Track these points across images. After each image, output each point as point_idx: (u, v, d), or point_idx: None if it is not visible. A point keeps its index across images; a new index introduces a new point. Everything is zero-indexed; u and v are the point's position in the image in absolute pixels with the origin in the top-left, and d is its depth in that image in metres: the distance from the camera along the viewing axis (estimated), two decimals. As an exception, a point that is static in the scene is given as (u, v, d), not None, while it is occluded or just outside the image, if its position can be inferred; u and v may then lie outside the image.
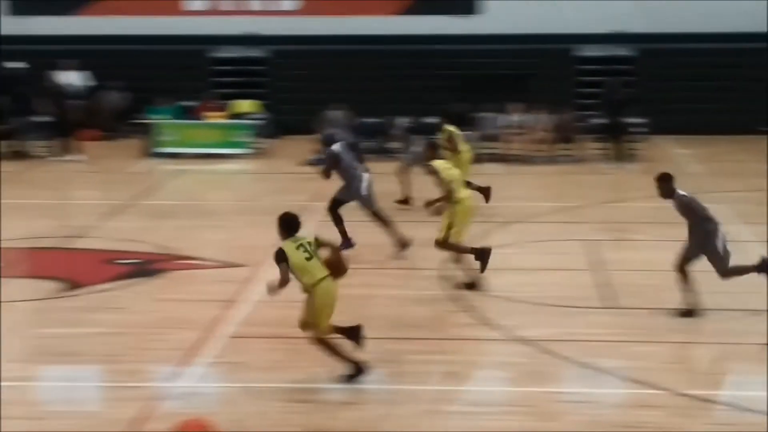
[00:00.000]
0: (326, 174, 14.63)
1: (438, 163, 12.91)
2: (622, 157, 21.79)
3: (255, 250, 13.76)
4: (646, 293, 12.25)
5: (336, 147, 14.68)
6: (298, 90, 24.94)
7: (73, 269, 13.88)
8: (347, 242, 14.24)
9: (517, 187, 19.35)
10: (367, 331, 9.90)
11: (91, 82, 24.92)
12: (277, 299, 12.11)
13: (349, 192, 14.51)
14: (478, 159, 20.98)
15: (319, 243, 9.70)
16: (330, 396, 9.47)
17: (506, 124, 22.45)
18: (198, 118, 23.51)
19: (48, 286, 13.03)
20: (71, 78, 24.60)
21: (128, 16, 25.73)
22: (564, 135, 22.34)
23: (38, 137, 23.01)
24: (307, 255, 9.48)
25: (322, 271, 9.51)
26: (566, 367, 10.18)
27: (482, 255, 12.43)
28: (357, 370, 9.61)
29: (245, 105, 24.46)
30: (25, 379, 9.97)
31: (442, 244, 12.56)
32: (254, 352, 10.55)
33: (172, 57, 25.37)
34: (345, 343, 9.71)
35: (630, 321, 11.49)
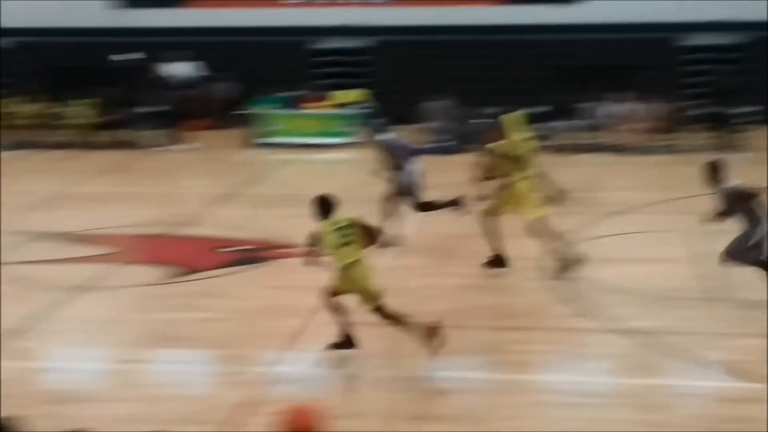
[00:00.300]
0: (387, 166, 14.39)
1: (493, 145, 12.93)
2: (728, 147, 21.42)
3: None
4: (750, 286, 12.09)
5: (386, 137, 14.59)
6: (400, 80, 25.03)
7: (182, 256, 14.25)
8: (454, 203, 14.10)
9: (619, 178, 19.18)
10: (468, 321, 9.97)
11: (201, 73, 25.38)
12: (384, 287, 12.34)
13: (401, 185, 14.33)
14: (580, 149, 20.94)
15: (355, 223, 9.89)
16: (435, 384, 9.58)
17: (608, 115, 22.26)
18: (300, 109, 23.80)
19: (158, 272, 13.40)
20: (181, 69, 25.08)
21: (233, 7, 26.16)
22: (666, 125, 22.06)
23: (150, 127, 23.57)
24: (343, 239, 9.70)
25: (353, 256, 9.71)
26: (669, 359, 10.13)
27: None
28: (347, 344, 9.97)
29: (347, 95, 24.66)
30: (137, 362, 10.29)
31: (535, 225, 12.59)
32: (362, 339, 10.69)
33: (275, 48, 25.69)
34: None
35: (733, 313, 11.36)
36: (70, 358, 10.71)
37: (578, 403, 9.01)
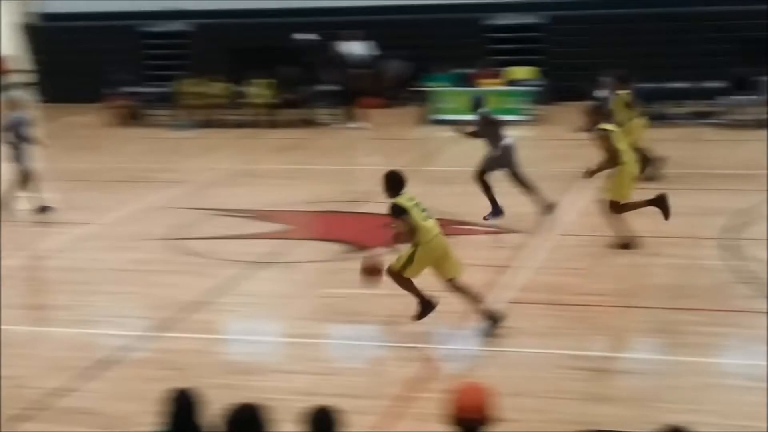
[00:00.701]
0: (475, 136, 14.53)
1: (607, 126, 12.85)
2: None
3: (528, 216, 13.85)
4: None
5: (485, 111, 14.55)
6: (575, 56, 24.69)
7: (356, 232, 14.48)
8: (496, 210, 14.25)
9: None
10: (644, 301, 9.75)
11: (375, 52, 25.64)
12: (552, 266, 12.26)
13: (495, 159, 14.35)
14: (759, 125, 20.19)
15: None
16: (607, 364, 9.46)
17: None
18: (474, 86, 23.75)
19: (333, 248, 13.66)
20: (356, 48, 25.42)
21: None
22: None
23: (325, 105, 24.00)
24: (424, 213, 9.86)
25: (435, 229, 9.89)
26: None
27: (661, 203, 12.68)
28: (428, 307, 10.21)
29: (521, 72, 24.48)
30: (311, 336, 10.53)
31: (618, 206, 12.67)
32: (530, 317, 10.66)
33: (451, 25, 25.72)
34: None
35: None
36: (248, 331, 11.04)
37: (754, 388, 8.73)
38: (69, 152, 22.13)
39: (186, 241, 14.04)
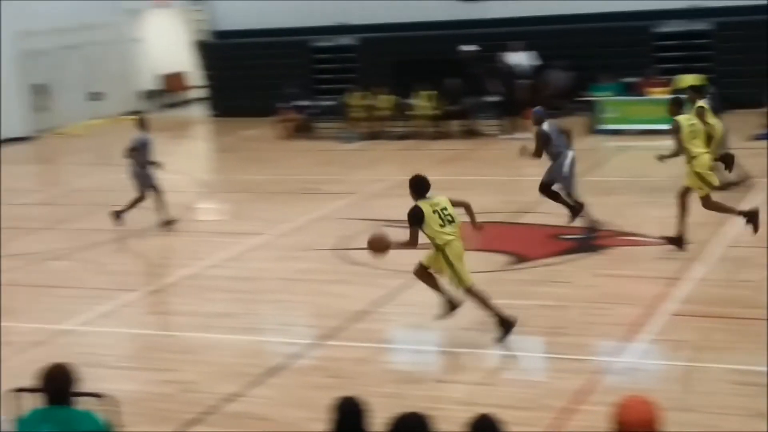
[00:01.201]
0: (538, 154, 14.31)
1: (681, 119, 13.12)
2: None
3: (699, 227, 13.57)
4: None
5: (546, 126, 14.34)
6: (745, 62, 24.00)
7: (520, 243, 14.46)
8: (574, 209, 14.16)
9: None
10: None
11: (537, 62, 25.54)
12: (721, 278, 11.97)
13: (554, 172, 14.26)
14: None
15: (452, 203, 10.42)
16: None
17: None
18: (641, 95, 23.37)
19: (497, 258, 13.68)
20: (519, 58, 25.37)
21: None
22: None
23: (488, 116, 24.03)
24: (440, 221, 10.15)
25: (452, 234, 10.19)
26: None
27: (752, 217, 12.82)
28: (507, 325, 10.30)
29: (689, 79, 23.94)
30: (474, 346, 10.57)
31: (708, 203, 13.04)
32: (697, 330, 10.45)
33: (616, 33, 25.38)
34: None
35: None
36: (411, 340, 11.18)
37: None
38: (241, 164, 22.84)
39: (352, 252, 14.30)
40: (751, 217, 12.91)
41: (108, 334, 11.83)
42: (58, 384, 5.97)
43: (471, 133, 23.89)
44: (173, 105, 33.40)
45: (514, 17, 26.24)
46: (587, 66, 24.71)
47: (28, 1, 27.10)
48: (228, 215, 18.69)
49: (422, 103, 24.32)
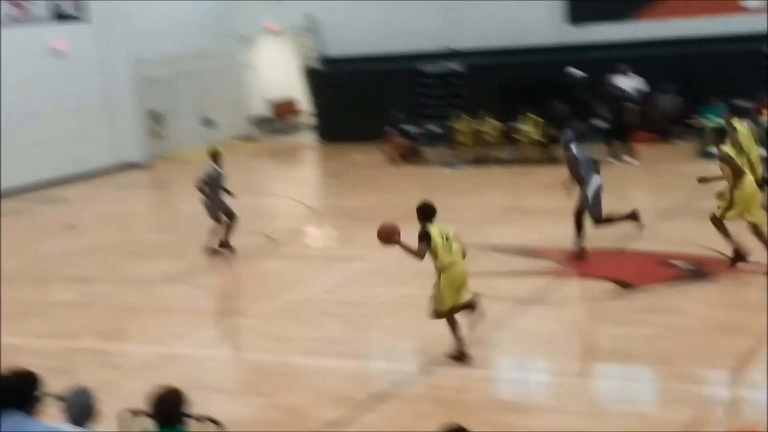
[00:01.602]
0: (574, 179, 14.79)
1: (727, 149, 13.81)
2: None
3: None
4: None
5: (574, 149, 14.90)
6: None
7: (628, 270, 14.28)
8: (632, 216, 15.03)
9: None
10: None
11: (645, 87, 25.24)
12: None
13: (583, 199, 14.76)
14: None
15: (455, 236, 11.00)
16: None
17: None
18: (755, 118, 22.88)
19: (603, 286, 13.54)
20: (627, 83, 25.10)
21: (684, 17, 25.77)
22: None
23: (596, 141, 23.81)
24: (445, 244, 10.86)
25: (453, 258, 10.84)
26: None
27: None
28: (461, 355, 10.80)
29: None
30: (581, 375, 10.50)
31: (716, 221, 13.64)
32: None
33: (726, 56, 24.95)
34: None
35: None
36: (518, 368, 11.15)
37: None
38: (349, 189, 23.07)
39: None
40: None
41: (217, 357, 12.06)
42: (168, 407, 6.14)
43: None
44: (283, 131, 33.91)
45: (622, 41, 26.03)
46: (696, 90, 24.35)
47: (146, 29, 27.98)
48: (336, 240, 18.88)
49: (529, 128, 24.25)
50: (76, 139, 26.26)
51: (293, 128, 33.98)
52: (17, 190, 23.66)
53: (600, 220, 14.88)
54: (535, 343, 11.78)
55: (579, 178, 14.76)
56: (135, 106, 28.13)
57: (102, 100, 27.37)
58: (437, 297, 10.94)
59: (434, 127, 26.18)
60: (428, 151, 25.76)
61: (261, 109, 32.76)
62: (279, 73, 33.32)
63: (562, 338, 11.78)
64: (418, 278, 14.48)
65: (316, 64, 30.99)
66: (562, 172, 19.50)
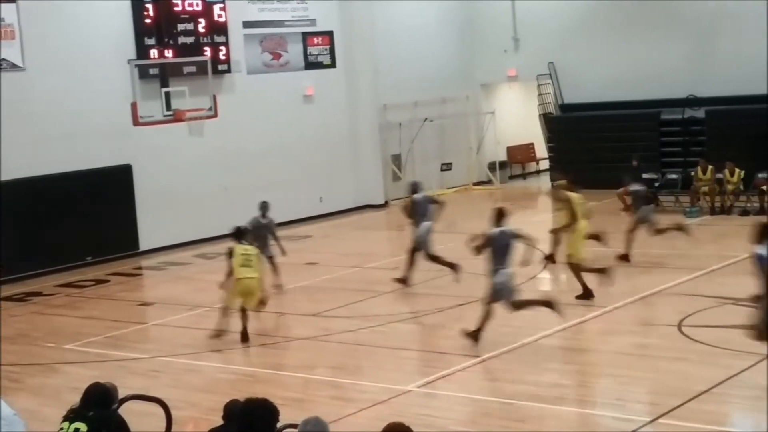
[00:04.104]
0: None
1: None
2: None
3: None
4: None
5: (417, 196, 17.93)
6: None
7: None
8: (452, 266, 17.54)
9: None
10: None
11: None
12: None
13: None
14: None
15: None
16: None
17: None
18: None
19: None
20: None
21: None
22: None
23: None
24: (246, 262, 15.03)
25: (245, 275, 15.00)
26: None
27: None
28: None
29: None
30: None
31: None
32: None
33: None
34: None
35: None
36: (755, 425, 10.79)
37: None
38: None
39: (692, 329, 14.00)
40: None
41: (446, 397, 12.24)
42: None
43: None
44: (518, 176, 34.07)
45: None
46: None
47: (391, 76, 29.03)
48: (568, 286, 18.77)
49: (769, 178, 23.42)
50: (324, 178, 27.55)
51: (530, 174, 34.13)
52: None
53: (430, 257, 18.01)
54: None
55: (416, 221, 17.93)
56: (379, 150, 29.04)
57: (347, 142, 28.48)
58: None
59: (673, 175, 25.72)
60: (667, 199, 25.27)
61: (499, 154, 33.04)
62: (517, 119, 33.55)
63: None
64: (652, 328, 14.30)
65: (554, 111, 31.04)
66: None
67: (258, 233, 17.35)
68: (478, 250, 13.78)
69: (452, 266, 17.78)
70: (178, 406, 10.38)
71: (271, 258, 18.11)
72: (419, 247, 17.91)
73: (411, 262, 17.98)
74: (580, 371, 12.75)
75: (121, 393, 8.07)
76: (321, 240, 24.49)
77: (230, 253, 15.16)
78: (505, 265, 13.64)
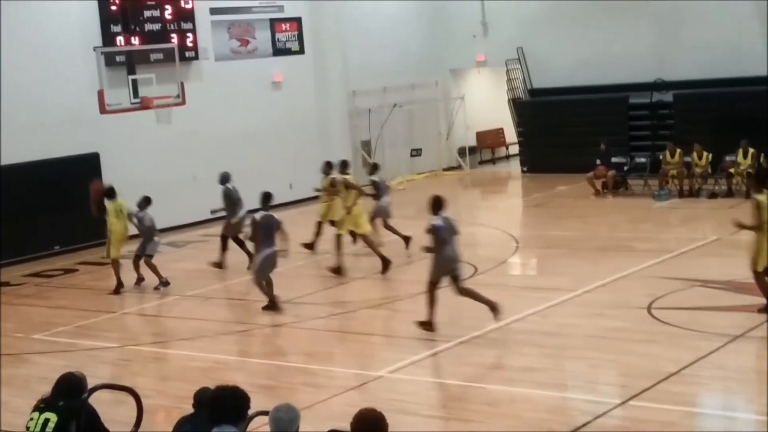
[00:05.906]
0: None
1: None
2: None
3: None
4: None
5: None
6: None
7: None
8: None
9: None
10: None
11: None
12: None
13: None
14: None
15: None
16: None
17: None
18: None
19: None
20: None
21: None
22: None
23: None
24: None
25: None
26: None
27: None
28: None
29: None
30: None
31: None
32: None
33: None
34: None
35: None
36: (722, 406, 10.87)
37: None
38: (552, 220, 23.00)
39: (662, 311, 14.09)
40: None
41: (417, 382, 12.27)
42: (367, 428, 6.32)
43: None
44: (488, 161, 34.14)
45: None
46: None
47: (361, 62, 29.00)
48: (538, 270, 18.87)
49: (740, 160, 23.54)
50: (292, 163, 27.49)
51: (498, 159, 34.21)
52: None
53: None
54: (741, 380, 11.47)
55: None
56: (348, 136, 28.99)
57: (317, 129, 28.39)
58: None
59: (641, 159, 25.85)
60: (635, 183, 25.41)
61: (467, 139, 33.07)
62: (486, 104, 33.59)
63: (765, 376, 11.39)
64: (622, 311, 14.38)
65: (522, 95, 31.10)
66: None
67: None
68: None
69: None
70: (148, 395, 10.36)
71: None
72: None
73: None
74: (551, 354, 12.79)
75: (91, 382, 8.04)
76: (291, 227, 24.34)
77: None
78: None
